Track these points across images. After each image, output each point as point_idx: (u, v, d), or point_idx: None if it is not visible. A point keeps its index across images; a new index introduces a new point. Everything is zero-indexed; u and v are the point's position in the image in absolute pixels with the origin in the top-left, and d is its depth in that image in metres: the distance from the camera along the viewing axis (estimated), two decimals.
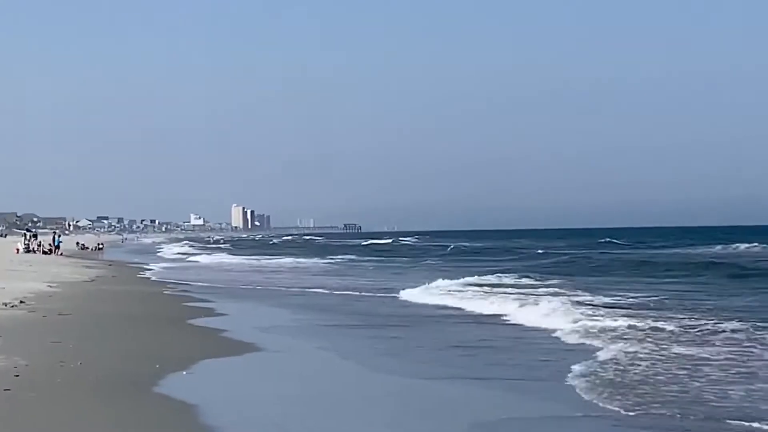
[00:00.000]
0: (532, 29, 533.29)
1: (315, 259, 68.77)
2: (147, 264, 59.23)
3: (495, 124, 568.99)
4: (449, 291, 30.86)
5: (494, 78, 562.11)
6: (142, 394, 12.63)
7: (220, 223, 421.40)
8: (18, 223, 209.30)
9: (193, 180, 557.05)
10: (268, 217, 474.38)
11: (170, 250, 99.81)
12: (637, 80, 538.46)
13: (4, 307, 22.97)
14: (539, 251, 76.30)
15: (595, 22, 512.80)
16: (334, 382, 14.45)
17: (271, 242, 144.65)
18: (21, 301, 24.51)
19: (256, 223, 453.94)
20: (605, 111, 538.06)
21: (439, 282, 33.85)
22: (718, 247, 74.96)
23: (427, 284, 32.88)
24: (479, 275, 37.81)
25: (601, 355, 15.87)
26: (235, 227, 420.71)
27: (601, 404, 12.09)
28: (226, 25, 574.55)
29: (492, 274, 38.38)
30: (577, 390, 13.02)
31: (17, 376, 13.13)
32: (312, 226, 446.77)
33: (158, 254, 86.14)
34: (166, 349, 17.26)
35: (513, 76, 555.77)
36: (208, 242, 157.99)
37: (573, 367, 14.74)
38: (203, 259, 73.16)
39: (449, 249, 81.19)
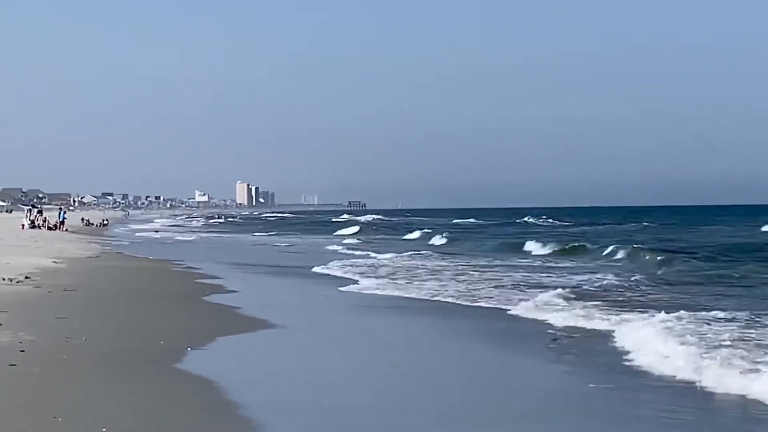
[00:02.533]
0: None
1: (245, 235, 77.94)
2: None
3: (512, 99, 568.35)
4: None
5: (500, 54, 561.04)
6: (149, 369, 12.63)
7: (224, 200, 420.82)
8: (23, 198, 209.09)
9: (199, 156, 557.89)
10: (273, 194, 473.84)
11: (146, 226, 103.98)
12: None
13: (9, 282, 22.96)
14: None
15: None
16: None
17: (233, 219, 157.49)
18: (26, 277, 24.48)
19: (261, 199, 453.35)
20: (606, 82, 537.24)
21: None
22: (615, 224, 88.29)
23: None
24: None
25: None
26: (240, 204, 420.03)
27: None
28: None
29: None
30: None
31: (23, 351, 13.12)
32: (316, 203, 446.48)
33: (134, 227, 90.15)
34: (169, 325, 17.28)
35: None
36: (189, 219, 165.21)
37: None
38: (155, 235, 77.63)
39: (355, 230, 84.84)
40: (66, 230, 68.60)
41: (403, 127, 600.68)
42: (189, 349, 14.30)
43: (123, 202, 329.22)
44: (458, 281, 27.81)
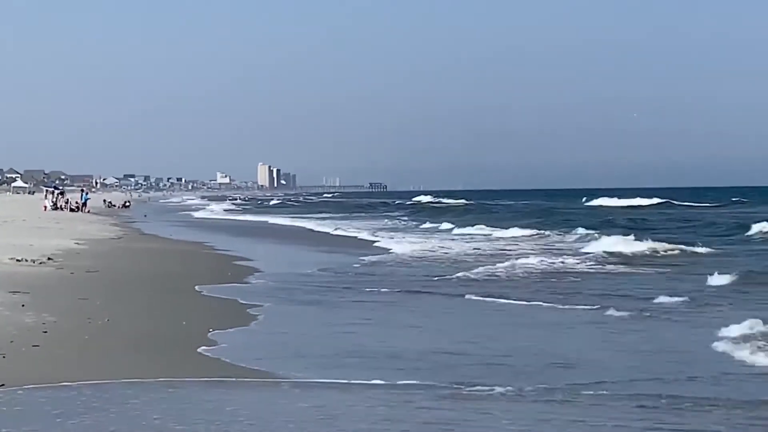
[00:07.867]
0: None
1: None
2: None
3: (531, 85, 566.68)
4: None
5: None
6: (173, 351, 12.67)
7: (246, 182, 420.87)
8: (45, 180, 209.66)
9: (220, 138, 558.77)
10: (294, 176, 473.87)
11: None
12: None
13: (32, 263, 23.07)
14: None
15: None
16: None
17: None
18: (49, 258, 24.57)
19: (282, 181, 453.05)
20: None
21: None
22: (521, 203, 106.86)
23: None
24: None
25: None
26: (261, 186, 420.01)
27: None
28: None
29: None
30: None
31: (45, 332, 13.18)
32: (338, 184, 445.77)
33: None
34: (193, 307, 17.28)
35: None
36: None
37: None
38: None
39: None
40: (88, 212, 68.84)
41: (426, 110, 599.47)
42: (211, 331, 14.31)
43: (145, 183, 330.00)
44: None
